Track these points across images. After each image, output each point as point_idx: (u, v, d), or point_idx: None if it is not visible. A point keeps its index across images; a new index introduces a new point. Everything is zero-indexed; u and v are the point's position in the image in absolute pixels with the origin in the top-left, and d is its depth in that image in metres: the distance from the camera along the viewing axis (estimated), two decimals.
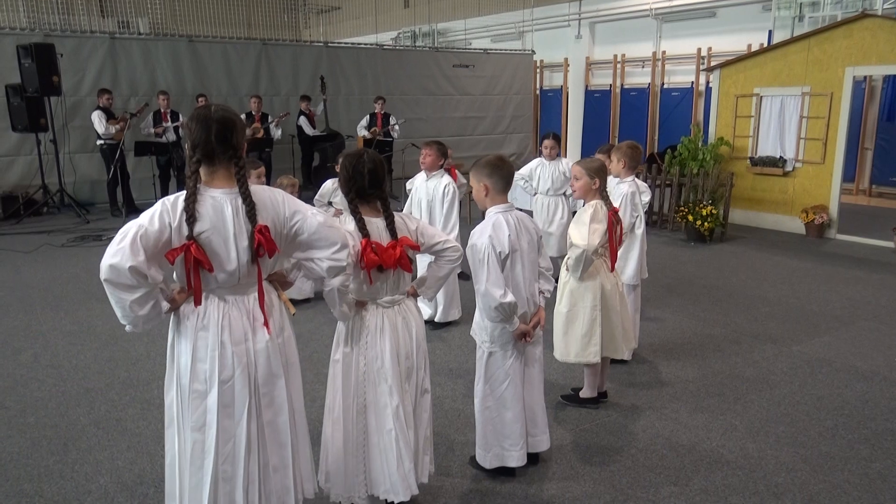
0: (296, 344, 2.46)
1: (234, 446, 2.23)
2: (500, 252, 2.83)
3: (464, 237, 3.26)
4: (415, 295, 2.82)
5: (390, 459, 2.63)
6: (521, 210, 3.09)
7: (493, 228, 2.87)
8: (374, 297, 2.67)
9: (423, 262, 3.22)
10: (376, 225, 2.62)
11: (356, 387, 2.66)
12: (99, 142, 9.64)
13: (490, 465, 3.10)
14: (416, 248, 2.67)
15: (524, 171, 6.26)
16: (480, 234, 2.87)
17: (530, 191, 6.29)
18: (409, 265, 2.64)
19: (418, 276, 2.89)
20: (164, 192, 9.93)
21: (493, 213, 2.94)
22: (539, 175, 6.16)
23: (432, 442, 2.94)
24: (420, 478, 2.79)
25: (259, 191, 2.23)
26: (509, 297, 2.80)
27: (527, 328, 2.97)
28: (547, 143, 6.12)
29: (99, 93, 9.66)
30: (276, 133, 10.93)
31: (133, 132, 9.86)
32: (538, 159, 6.23)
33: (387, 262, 2.56)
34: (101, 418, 3.80)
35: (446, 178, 5.09)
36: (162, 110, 10.07)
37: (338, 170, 6.02)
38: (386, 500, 2.72)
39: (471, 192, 3.12)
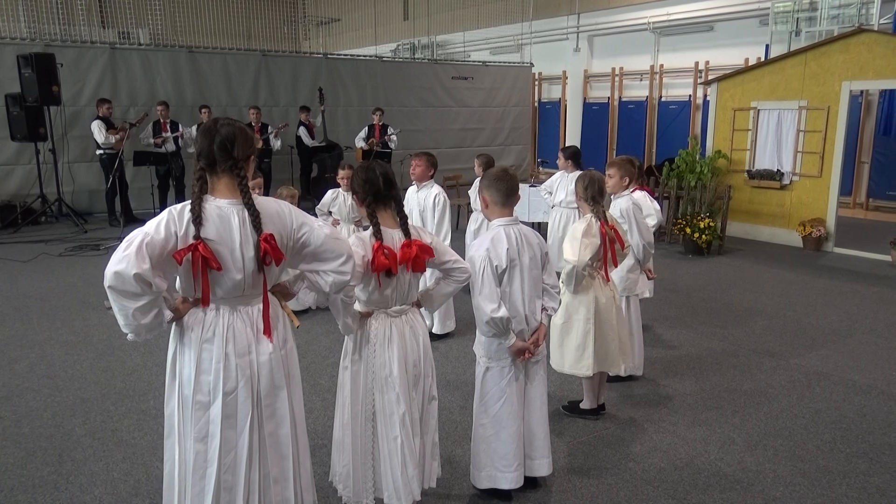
0: (297, 357, 2.47)
1: (236, 457, 2.24)
2: (496, 266, 2.82)
3: (457, 247, 3.27)
4: (419, 306, 2.86)
5: (395, 465, 2.67)
6: (528, 223, 3.08)
7: (492, 242, 2.86)
8: (384, 305, 2.69)
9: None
10: (391, 235, 2.66)
11: (364, 394, 2.70)
12: (98, 151, 9.66)
13: (481, 485, 3.04)
14: (430, 251, 2.69)
15: (547, 183, 6.48)
16: (478, 247, 2.87)
17: (551, 202, 6.37)
18: (423, 265, 2.68)
19: (420, 288, 2.92)
20: (163, 202, 9.93)
21: (495, 227, 2.93)
22: (557, 187, 6.28)
23: (439, 447, 2.97)
24: (428, 482, 2.84)
25: (265, 202, 2.26)
26: (501, 312, 2.78)
27: (524, 345, 2.92)
28: (560, 155, 6.32)
29: (99, 103, 9.67)
30: (276, 144, 10.96)
31: (132, 142, 9.87)
32: (560, 172, 6.35)
33: (402, 259, 2.61)
34: (97, 429, 3.78)
35: (436, 189, 5.16)
36: (161, 120, 10.09)
37: (338, 179, 6.06)
38: None
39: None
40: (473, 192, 6.43)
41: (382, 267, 2.57)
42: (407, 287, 2.71)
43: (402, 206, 2.76)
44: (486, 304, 2.78)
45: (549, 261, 3.06)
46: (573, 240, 3.48)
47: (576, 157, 6.22)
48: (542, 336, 3.02)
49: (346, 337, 2.77)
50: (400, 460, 2.66)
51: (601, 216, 3.58)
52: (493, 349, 2.93)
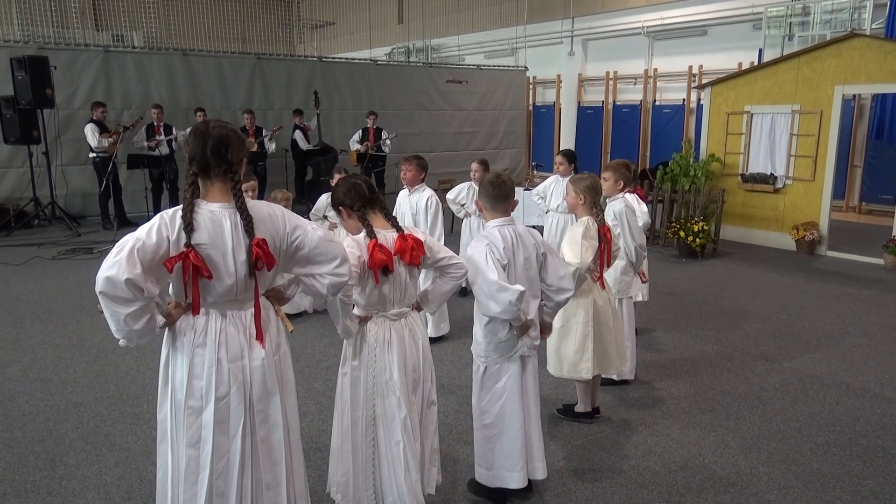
0: (291, 361, 2.46)
1: (228, 462, 2.23)
2: (497, 259, 2.83)
3: (451, 250, 3.29)
4: (418, 309, 2.86)
5: (398, 470, 2.66)
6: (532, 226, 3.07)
7: (488, 239, 2.89)
8: (383, 308, 2.69)
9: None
10: (384, 235, 2.66)
11: (365, 399, 2.69)
12: (91, 154, 9.63)
13: (492, 483, 3.04)
14: (421, 247, 2.68)
15: (539, 188, 6.33)
16: (476, 244, 2.89)
17: (544, 207, 6.28)
18: (419, 258, 2.68)
19: (421, 290, 2.92)
20: (157, 206, 9.90)
21: (491, 227, 2.97)
22: (552, 192, 6.15)
23: (439, 453, 2.96)
24: (427, 489, 2.82)
25: (258, 206, 2.24)
26: (517, 286, 2.74)
27: (529, 322, 2.92)
28: (556, 159, 6.17)
29: (92, 106, 9.64)
30: (271, 147, 10.96)
31: (126, 145, 9.85)
32: (554, 176, 6.20)
33: (398, 250, 2.62)
34: (90, 433, 3.76)
35: (428, 192, 5.17)
36: (155, 123, 10.07)
37: (332, 183, 6.07)
38: None
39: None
40: (465, 197, 6.37)
41: (380, 263, 2.57)
42: (404, 285, 2.71)
43: (388, 210, 2.78)
44: (506, 285, 2.75)
45: (552, 259, 3.03)
46: (573, 242, 3.47)
47: (575, 160, 6.17)
48: (536, 326, 2.99)
49: (344, 343, 2.76)
50: (403, 465, 2.65)
51: (600, 220, 3.60)
52: (493, 347, 2.94)
